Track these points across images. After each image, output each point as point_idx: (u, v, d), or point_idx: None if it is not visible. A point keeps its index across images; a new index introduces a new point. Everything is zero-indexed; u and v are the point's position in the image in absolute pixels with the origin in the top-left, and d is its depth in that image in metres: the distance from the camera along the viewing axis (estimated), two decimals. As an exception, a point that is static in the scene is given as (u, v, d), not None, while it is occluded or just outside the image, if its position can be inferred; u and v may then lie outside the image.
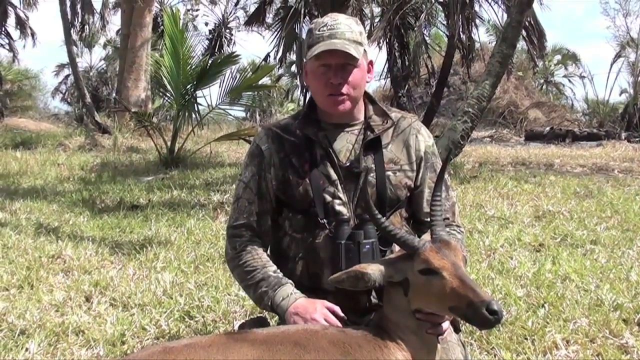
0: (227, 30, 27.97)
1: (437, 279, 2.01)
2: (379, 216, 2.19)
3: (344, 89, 2.48)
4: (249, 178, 2.63)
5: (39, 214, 7.32)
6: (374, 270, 2.12)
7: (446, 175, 2.66)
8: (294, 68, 28.46)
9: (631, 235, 6.02)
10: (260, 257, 2.54)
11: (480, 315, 1.91)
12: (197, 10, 30.98)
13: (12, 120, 23.68)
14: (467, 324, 3.41)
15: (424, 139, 2.65)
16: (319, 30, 2.48)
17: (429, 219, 2.20)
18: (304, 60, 2.60)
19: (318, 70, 2.49)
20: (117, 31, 26.73)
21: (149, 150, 13.93)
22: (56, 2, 19.43)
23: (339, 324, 2.28)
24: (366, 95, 2.64)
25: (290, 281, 2.47)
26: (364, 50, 2.51)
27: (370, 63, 2.60)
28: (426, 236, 2.22)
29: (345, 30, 2.47)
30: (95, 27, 28.91)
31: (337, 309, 2.33)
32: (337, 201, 2.48)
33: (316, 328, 2.18)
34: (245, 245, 2.57)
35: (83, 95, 19.72)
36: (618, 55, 27.21)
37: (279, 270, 2.50)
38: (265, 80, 15.56)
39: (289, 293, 2.42)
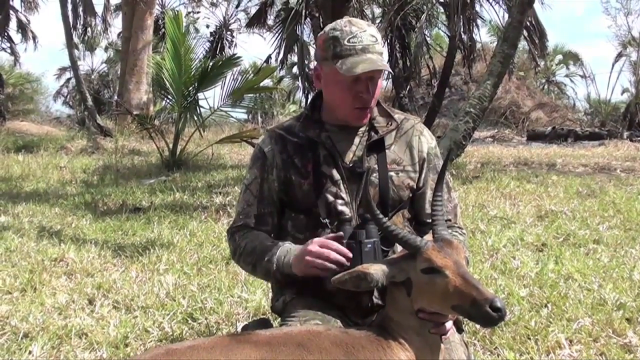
0: (228, 33, 27.97)
1: (440, 278, 2.01)
2: (380, 216, 2.19)
3: (371, 102, 2.50)
4: (250, 181, 2.66)
5: (42, 217, 7.33)
6: (377, 270, 2.12)
7: (448, 177, 2.68)
8: (295, 70, 28.46)
9: (634, 235, 6.01)
10: (256, 237, 2.58)
11: (484, 313, 1.91)
12: (198, 12, 31.03)
13: (14, 123, 23.66)
14: (470, 324, 3.42)
15: (427, 141, 2.65)
16: (348, 41, 2.43)
17: (430, 220, 2.20)
18: (320, 65, 2.57)
19: (346, 80, 2.45)
20: (119, 34, 26.75)
21: (151, 153, 13.94)
22: (57, 5, 19.44)
23: (336, 245, 2.31)
24: None
25: (285, 242, 2.51)
26: None
27: None
28: (428, 236, 2.22)
29: (373, 42, 2.45)
30: (96, 30, 28.87)
31: (331, 240, 2.35)
32: (340, 201, 2.49)
33: (319, 329, 2.18)
34: (243, 235, 2.62)
35: (85, 99, 19.74)
36: (620, 55, 27.20)
37: (275, 240, 2.55)
38: (267, 82, 15.53)
39: (286, 251, 2.46)
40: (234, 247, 2.64)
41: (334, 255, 2.28)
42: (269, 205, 2.63)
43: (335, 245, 2.30)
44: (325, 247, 2.31)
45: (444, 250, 2.06)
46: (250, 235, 2.60)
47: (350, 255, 2.27)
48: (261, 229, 2.63)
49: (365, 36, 2.44)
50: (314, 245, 2.33)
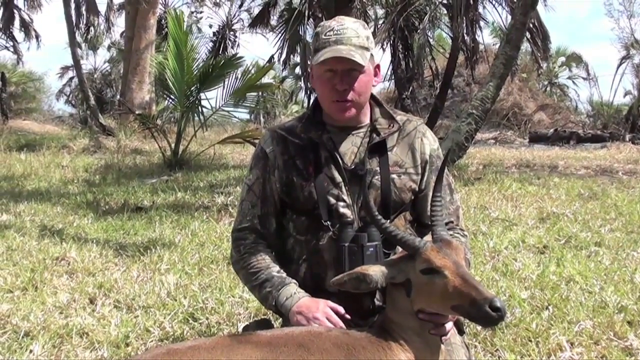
0: (231, 32, 27.98)
1: (439, 278, 2.01)
2: (379, 217, 2.19)
3: (350, 96, 2.47)
4: (253, 181, 2.64)
5: (43, 216, 7.34)
6: (376, 271, 2.12)
7: (451, 179, 2.67)
8: (298, 70, 28.49)
9: (635, 237, 6.01)
10: (264, 259, 2.55)
11: (484, 312, 1.91)
12: (201, 12, 31.05)
13: (16, 122, 23.67)
14: (471, 325, 3.42)
15: (429, 143, 2.64)
16: (325, 35, 2.46)
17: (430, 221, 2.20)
18: (310, 63, 2.59)
19: (324, 75, 2.48)
20: (121, 33, 26.70)
21: (153, 152, 13.95)
22: (60, 4, 19.43)
23: (342, 324, 2.29)
24: (372, 97, 2.63)
25: (294, 281, 2.48)
26: (371, 54, 2.50)
27: (377, 67, 2.60)
28: (427, 237, 2.22)
29: (351, 35, 2.45)
30: (99, 29, 28.91)
31: (341, 308, 2.33)
32: (341, 203, 2.48)
33: (320, 330, 2.18)
34: (249, 248, 2.58)
35: (87, 98, 19.75)
36: (626, 57, 27.18)
37: (282, 271, 2.51)
38: (269, 81, 15.49)
39: (292, 292, 2.43)
40: (237, 256, 2.62)
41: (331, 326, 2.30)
42: (270, 205, 2.62)
43: (340, 324, 2.30)
44: (330, 321, 2.30)
45: (443, 251, 2.06)
46: (257, 253, 2.57)
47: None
48: (266, 232, 2.62)
49: (343, 30, 2.45)
50: (322, 316, 2.31)
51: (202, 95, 12.51)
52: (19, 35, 28.12)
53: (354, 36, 2.45)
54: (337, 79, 2.45)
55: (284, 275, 2.50)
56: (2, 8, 26.77)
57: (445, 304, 2.02)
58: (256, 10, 23.22)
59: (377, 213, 2.21)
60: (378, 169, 2.52)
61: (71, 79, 36.20)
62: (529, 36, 15.30)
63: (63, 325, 3.80)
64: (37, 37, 28.50)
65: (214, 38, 27.65)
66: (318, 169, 2.52)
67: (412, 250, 2.10)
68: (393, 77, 19.00)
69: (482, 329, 3.58)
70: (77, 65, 20.40)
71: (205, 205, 8.01)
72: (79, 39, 26.61)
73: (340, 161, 2.52)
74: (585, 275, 4.66)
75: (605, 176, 11.15)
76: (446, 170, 2.65)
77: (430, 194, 2.54)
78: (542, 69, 24.24)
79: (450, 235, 2.25)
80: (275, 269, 2.51)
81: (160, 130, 12.90)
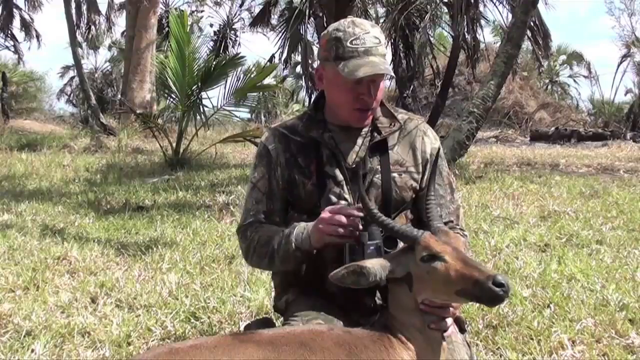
0: (232, 32, 28.05)
1: (440, 264, 2.01)
2: (376, 210, 2.19)
3: (373, 104, 2.49)
4: (258, 178, 2.64)
5: (45, 215, 7.33)
6: (374, 264, 2.11)
7: (452, 178, 2.67)
8: (299, 69, 28.49)
9: (637, 235, 6.01)
10: (268, 229, 2.54)
11: (489, 290, 1.90)
12: (202, 11, 31.13)
13: (17, 122, 23.64)
14: (473, 324, 3.42)
15: (430, 141, 2.64)
16: (351, 43, 2.41)
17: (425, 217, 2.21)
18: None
19: (347, 83, 2.44)
20: (122, 33, 26.78)
21: (154, 152, 13.94)
22: (61, 3, 19.45)
23: (347, 209, 2.31)
24: None
25: (297, 223, 2.48)
26: None
27: None
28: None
29: (376, 43, 2.43)
30: (100, 28, 28.97)
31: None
32: (343, 202, 2.48)
33: (321, 329, 2.18)
34: (255, 229, 2.58)
35: (88, 97, 19.76)
36: (626, 56, 27.20)
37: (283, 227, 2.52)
38: (270, 81, 15.48)
39: (303, 227, 2.43)
40: (246, 244, 2.60)
41: (344, 220, 2.28)
42: (277, 201, 2.61)
43: (345, 209, 2.31)
44: (336, 213, 2.30)
45: (441, 238, 2.06)
46: (261, 228, 2.57)
47: (361, 214, 2.28)
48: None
49: (369, 38, 2.42)
50: (325, 212, 2.32)
51: (203, 95, 12.53)
52: (19, 34, 28.18)
53: (378, 44, 2.44)
54: (364, 89, 2.44)
55: (288, 228, 2.49)
56: (1, 7, 26.80)
57: (450, 290, 2.01)
58: (257, 10, 23.32)
59: (373, 207, 2.21)
60: (379, 167, 2.52)
61: (72, 78, 36.30)
62: (529, 34, 15.32)
63: (65, 324, 3.79)
64: (37, 36, 28.60)
65: (215, 37, 27.70)
66: (320, 168, 2.52)
67: (410, 240, 2.10)
68: (394, 76, 19.00)
69: (483, 327, 3.59)
70: (78, 64, 20.42)
71: (207, 205, 8.01)
72: (79, 38, 26.67)
73: (342, 160, 2.52)
74: (586, 274, 4.65)
75: (606, 174, 11.14)
76: (447, 169, 2.66)
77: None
78: (543, 68, 24.28)
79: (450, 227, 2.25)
80: (279, 229, 2.50)
81: (161, 129, 12.91)
